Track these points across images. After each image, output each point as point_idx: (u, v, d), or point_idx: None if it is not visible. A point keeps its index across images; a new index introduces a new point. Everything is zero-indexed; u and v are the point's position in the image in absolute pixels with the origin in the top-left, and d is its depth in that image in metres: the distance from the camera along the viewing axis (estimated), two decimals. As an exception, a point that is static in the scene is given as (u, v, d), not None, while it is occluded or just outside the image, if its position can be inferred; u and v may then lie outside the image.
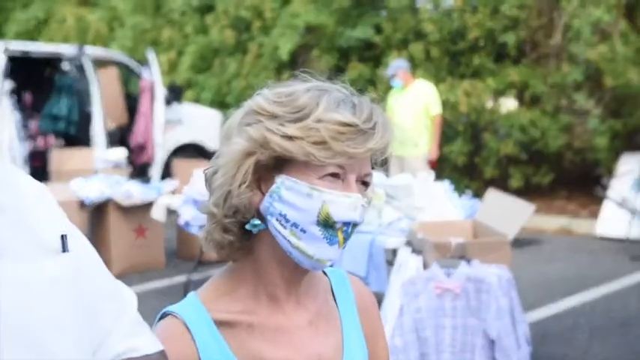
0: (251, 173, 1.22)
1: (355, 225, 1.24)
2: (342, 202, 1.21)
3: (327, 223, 1.21)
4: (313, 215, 1.21)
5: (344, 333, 1.34)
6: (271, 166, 1.22)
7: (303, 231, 1.21)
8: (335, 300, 1.38)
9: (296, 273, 1.28)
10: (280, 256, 1.26)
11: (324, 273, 1.40)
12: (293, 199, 1.21)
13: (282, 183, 1.22)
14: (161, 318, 1.28)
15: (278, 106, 1.23)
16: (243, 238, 1.26)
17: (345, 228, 1.22)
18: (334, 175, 1.21)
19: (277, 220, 1.22)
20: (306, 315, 1.31)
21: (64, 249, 1.04)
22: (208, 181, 1.28)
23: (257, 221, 1.24)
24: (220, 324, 1.25)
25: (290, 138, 1.19)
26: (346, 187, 1.22)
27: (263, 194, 1.24)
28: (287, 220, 1.21)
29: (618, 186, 8.80)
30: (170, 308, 1.27)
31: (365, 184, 1.25)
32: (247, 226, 1.25)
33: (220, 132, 1.31)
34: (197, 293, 1.30)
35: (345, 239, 1.24)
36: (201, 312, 1.26)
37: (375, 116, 1.22)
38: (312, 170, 1.20)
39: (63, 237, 1.04)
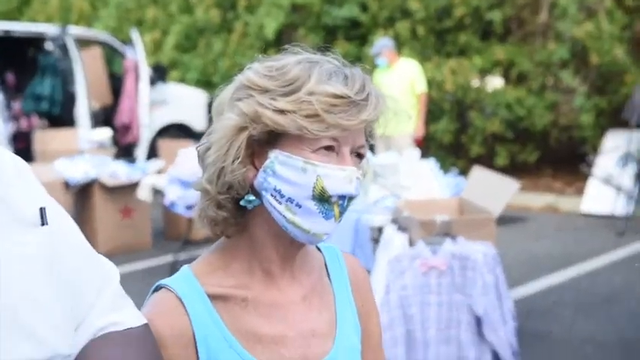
0: (244, 149, 1.21)
1: (351, 198, 1.23)
2: (336, 176, 1.20)
3: (322, 197, 1.20)
4: (308, 189, 1.20)
5: (337, 309, 1.34)
6: (264, 140, 1.21)
7: (299, 206, 1.20)
8: (329, 276, 1.37)
9: (291, 248, 1.28)
10: (275, 232, 1.25)
11: (318, 249, 1.39)
12: (287, 174, 1.20)
13: (276, 158, 1.20)
14: (154, 291, 1.27)
15: (269, 80, 1.21)
16: (237, 215, 1.25)
17: (340, 202, 1.22)
18: (328, 149, 1.20)
19: (272, 195, 1.21)
20: (300, 290, 1.31)
21: (43, 222, 1.03)
22: (201, 158, 1.27)
23: (251, 197, 1.23)
24: (214, 298, 1.24)
25: (282, 112, 1.18)
26: (341, 160, 1.21)
27: (257, 170, 1.23)
28: (282, 195, 1.21)
29: (604, 163, 8.84)
30: (163, 281, 1.26)
31: (359, 156, 1.24)
32: (242, 202, 1.24)
33: (212, 108, 1.29)
34: (190, 267, 1.29)
35: (341, 213, 1.23)
36: (195, 286, 1.25)
37: (368, 87, 1.21)
38: (306, 144, 1.19)
39: (42, 210, 1.03)
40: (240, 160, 1.20)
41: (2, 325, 0.93)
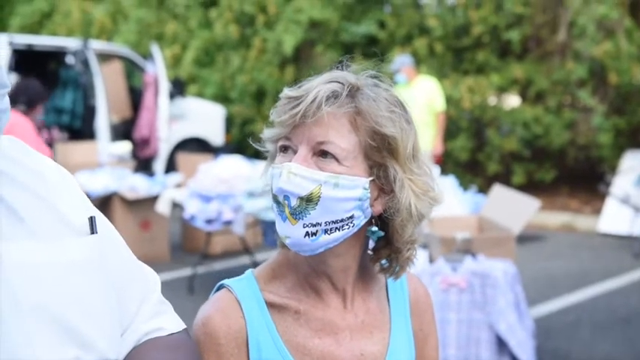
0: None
1: (300, 198, 1.19)
2: (276, 173, 1.22)
3: (274, 198, 1.23)
4: (270, 193, 1.25)
5: (392, 331, 1.34)
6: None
7: (273, 209, 1.25)
8: (388, 297, 1.37)
9: (321, 264, 1.28)
10: (308, 262, 1.28)
11: None
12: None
13: None
14: (217, 289, 1.31)
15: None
16: None
17: (286, 201, 1.21)
18: (283, 149, 1.24)
19: None
20: (353, 310, 1.32)
21: (93, 231, 1.06)
22: None
23: None
24: (271, 305, 1.28)
25: (271, 124, 1.27)
26: (290, 157, 1.22)
27: None
28: None
29: (621, 183, 8.81)
30: (227, 281, 1.30)
31: (324, 153, 1.20)
32: None
33: None
34: (254, 271, 1.32)
35: (294, 214, 1.20)
36: (255, 291, 1.29)
37: (315, 86, 1.22)
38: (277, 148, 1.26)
39: (91, 219, 1.07)
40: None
41: (54, 330, 0.96)
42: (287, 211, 1.20)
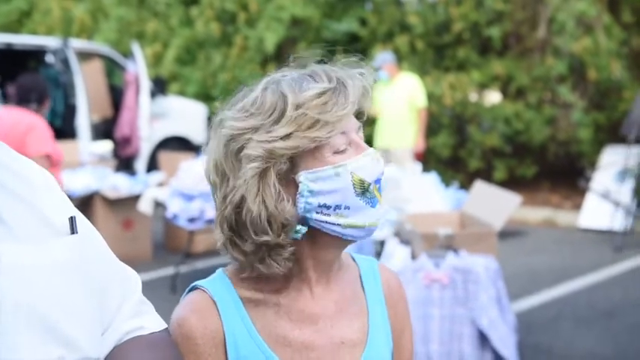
0: (279, 186, 1.22)
1: (381, 177, 1.28)
2: (365, 164, 1.24)
3: (364, 190, 1.24)
4: (349, 189, 1.23)
5: (370, 320, 1.36)
6: (286, 171, 1.22)
7: (347, 207, 1.24)
8: (363, 288, 1.39)
9: (330, 264, 1.32)
10: (316, 254, 1.28)
11: (354, 261, 1.41)
12: (325, 187, 1.22)
13: (306, 179, 1.22)
14: (190, 291, 1.31)
15: (253, 119, 1.23)
16: (290, 247, 1.25)
17: (377, 185, 1.26)
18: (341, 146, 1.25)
19: (318, 212, 1.23)
20: (333, 299, 1.33)
21: (73, 230, 1.06)
22: (236, 222, 1.25)
23: (299, 226, 1.24)
24: (247, 301, 1.28)
25: (287, 136, 1.20)
26: (358, 147, 1.25)
27: (292, 200, 1.23)
28: (328, 207, 1.23)
29: (601, 178, 8.88)
30: (199, 282, 1.30)
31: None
32: (294, 235, 1.24)
33: (207, 176, 1.28)
34: (225, 270, 1.32)
35: (381, 194, 1.28)
36: (229, 288, 1.29)
37: (333, 72, 1.25)
38: (324, 151, 1.22)
39: (72, 219, 1.07)
40: (282, 198, 1.21)
41: (38, 330, 0.97)
42: (377, 194, 1.26)
